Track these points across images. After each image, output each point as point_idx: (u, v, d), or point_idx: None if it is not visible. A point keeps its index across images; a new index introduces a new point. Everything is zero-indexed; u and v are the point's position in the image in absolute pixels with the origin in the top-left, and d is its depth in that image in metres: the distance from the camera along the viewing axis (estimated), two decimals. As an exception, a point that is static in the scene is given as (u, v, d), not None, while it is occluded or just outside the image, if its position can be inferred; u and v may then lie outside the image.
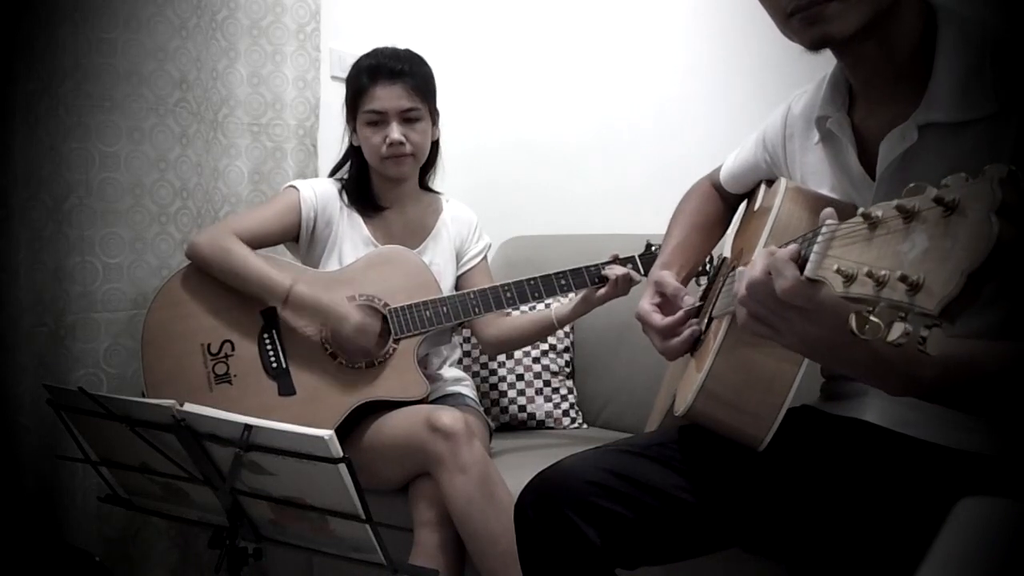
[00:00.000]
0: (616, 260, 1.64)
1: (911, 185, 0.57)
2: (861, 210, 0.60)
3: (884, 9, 0.87)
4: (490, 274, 1.85)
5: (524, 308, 1.92)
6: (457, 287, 1.79)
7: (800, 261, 0.70)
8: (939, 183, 0.54)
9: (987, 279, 0.50)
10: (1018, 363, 0.78)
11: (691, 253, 1.27)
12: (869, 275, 0.56)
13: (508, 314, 1.83)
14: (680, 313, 1.10)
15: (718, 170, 1.35)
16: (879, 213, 0.59)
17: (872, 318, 0.56)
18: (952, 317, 0.51)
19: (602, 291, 1.61)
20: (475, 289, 1.67)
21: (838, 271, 0.60)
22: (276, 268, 1.62)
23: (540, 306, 1.93)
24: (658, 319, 1.11)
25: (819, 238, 0.67)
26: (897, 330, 0.54)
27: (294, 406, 1.58)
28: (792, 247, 0.72)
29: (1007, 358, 0.79)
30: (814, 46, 0.90)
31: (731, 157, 1.31)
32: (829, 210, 0.70)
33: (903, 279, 0.53)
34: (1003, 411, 0.82)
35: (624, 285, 1.60)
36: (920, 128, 0.90)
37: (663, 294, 1.15)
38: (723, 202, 1.34)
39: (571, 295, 1.68)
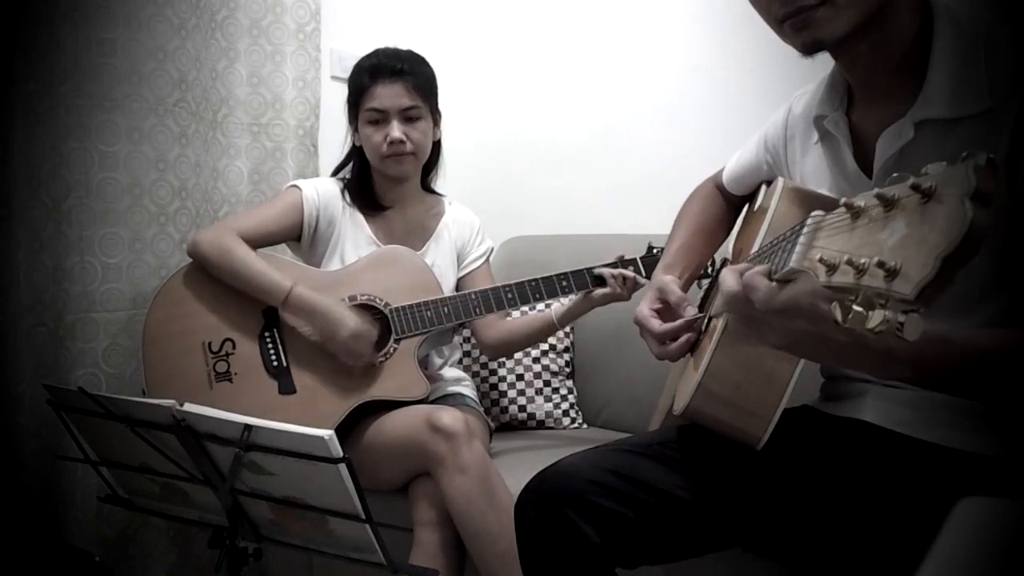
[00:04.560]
0: (620, 260, 1.63)
1: (894, 175, 0.57)
2: (843, 200, 0.61)
3: (875, 10, 0.88)
4: (492, 277, 1.84)
5: (524, 309, 1.92)
6: (458, 289, 1.79)
7: (771, 275, 0.73)
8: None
9: (962, 263, 0.51)
10: (996, 346, 0.78)
11: (694, 255, 1.27)
12: (849, 263, 0.57)
13: (508, 314, 1.82)
14: (680, 322, 1.09)
15: (721, 172, 1.35)
16: (861, 203, 0.59)
17: (855, 307, 0.56)
18: (928, 301, 0.52)
19: (601, 291, 1.61)
20: (476, 289, 1.67)
21: (821, 260, 0.61)
22: (277, 269, 1.62)
23: (540, 306, 1.93)
24: (656, 324, 1.10)
25: (805, 229, 0.68)
26: (876, 317, 0.55)
27: (294, 405, 1.58)
28: (763, 266, 0.75)
29: (992, 339, 0.79)
30: (806, 51, 0.91)
31: (733, 159, 1.31)
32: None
33: (880, 265, 0.54)
34: (985, 393, 0.82)
35: (624, 286, 1.59)
36: (916, 125, 0.90)
37: (665, 300, 1.14)
38: (727, 204, 1.34)
39: (572, 296, 1.68)
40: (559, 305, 1.72)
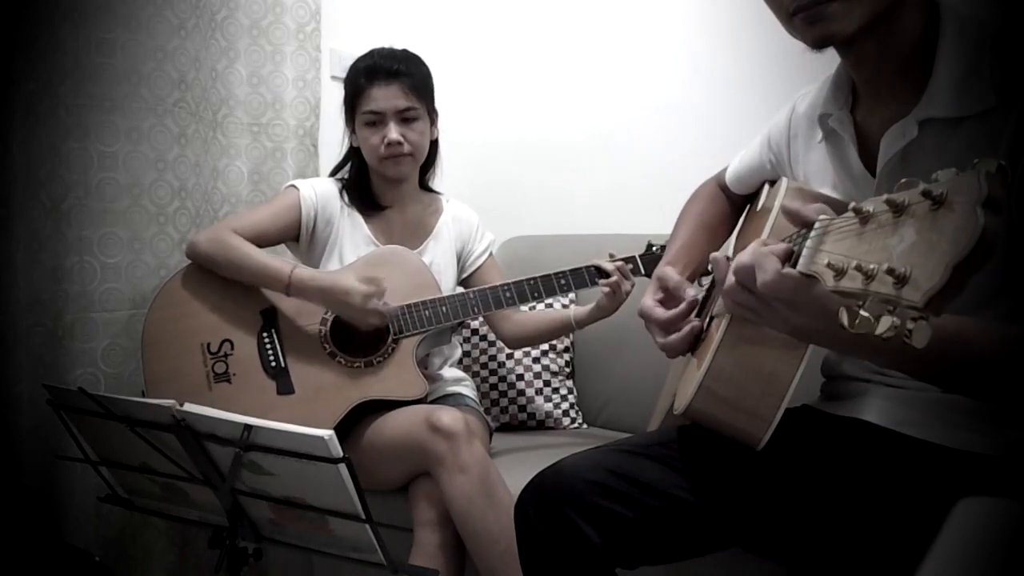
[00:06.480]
0: (612, 259, 1.64)
1: (903, 180, 0.57)
2: (852, 204, 0.61)
3: (886, 7, 0.88)
4: (499, 269, 1.85)
5: (524, 308, 1.93)
6: (467, 286, 1.79)
7: (792, 259, 0.70)
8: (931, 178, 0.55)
9: (972, 271, 0.51)
10: (1009, 344, 0.78)
11: (696, 253, 1.27)
12: (858, 268, 0.56)
13: (533, 307, 1.82)
14: (683, 306, 1.09)
15: (724, 171, 1.35)
16: (870, 208, 0.59)
17: (863, 312, 0.56)
18: (937, 309, 0.52)
19: (606, 291, 1.60)
20: (474, 289, 1.67)
21: (829, 265, 0.60)
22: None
23: (557, 305, 1.95)
24: (660, 313, 1.10)
25: (812, 233, 0.67)
26: (885, 323, 0.54)
27: (293, 405, 1.58)
28: (784, 245, 0.72)
29: (997, 336, 0.79)
30: (816, 45, 0.91)
31: (737, 159, 1.31)
32: (820, 205, 0.71)
33: (890, 272, 0.54)
34: (994, 392, 0.82)
35: (621, 292, 1.59)
36: (920, 124, 0.90)
37: (665, 288, 1.14)
38: (729, 203, 1.34)
39: (571, 295, 1.68)
40: (578, 307, 1.73)
